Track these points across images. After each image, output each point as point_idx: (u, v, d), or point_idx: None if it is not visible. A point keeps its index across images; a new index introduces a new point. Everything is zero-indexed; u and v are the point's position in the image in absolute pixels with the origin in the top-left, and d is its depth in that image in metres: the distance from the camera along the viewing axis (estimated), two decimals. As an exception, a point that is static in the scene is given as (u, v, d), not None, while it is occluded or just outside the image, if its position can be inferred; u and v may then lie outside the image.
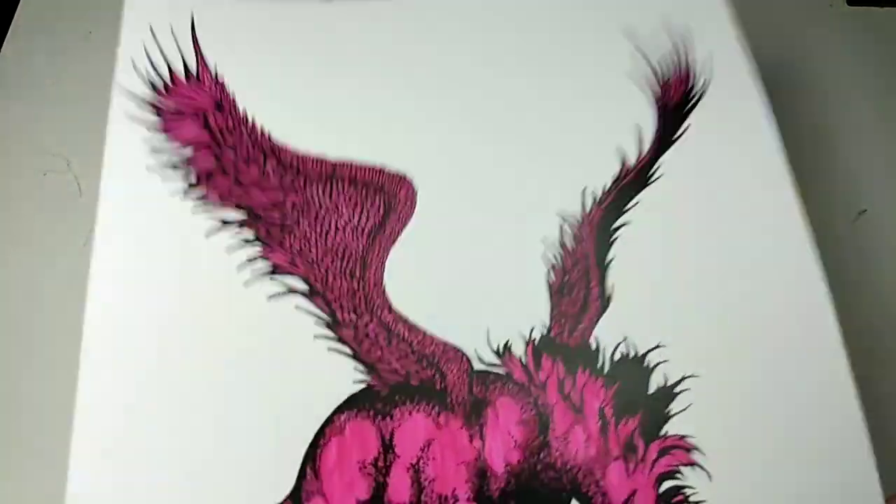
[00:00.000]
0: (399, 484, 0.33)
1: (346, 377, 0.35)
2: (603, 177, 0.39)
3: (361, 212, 0.38)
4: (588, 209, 0.39)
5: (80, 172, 0.46)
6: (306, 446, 0.33)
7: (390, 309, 0.36)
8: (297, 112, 0.40)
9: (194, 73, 0.40)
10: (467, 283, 0.37)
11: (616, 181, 0.39)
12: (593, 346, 0.36)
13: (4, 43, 0.51)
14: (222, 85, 0.40)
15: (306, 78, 0.41)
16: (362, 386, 0.34)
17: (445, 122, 0.41)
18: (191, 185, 0.38)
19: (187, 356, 0.34)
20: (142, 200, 0.37)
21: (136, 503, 0.31)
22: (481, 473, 0.33)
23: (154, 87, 0.40)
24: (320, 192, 0.39)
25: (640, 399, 0.35)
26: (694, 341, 0.36)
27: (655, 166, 0.39)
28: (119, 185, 0.37)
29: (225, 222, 0.37)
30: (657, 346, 0.36)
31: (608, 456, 0.34)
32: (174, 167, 0.38)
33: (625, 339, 0.36)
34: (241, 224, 0.37)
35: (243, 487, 0.32)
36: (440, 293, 0.37)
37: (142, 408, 0.33)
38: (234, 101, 0.40)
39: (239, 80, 0.41)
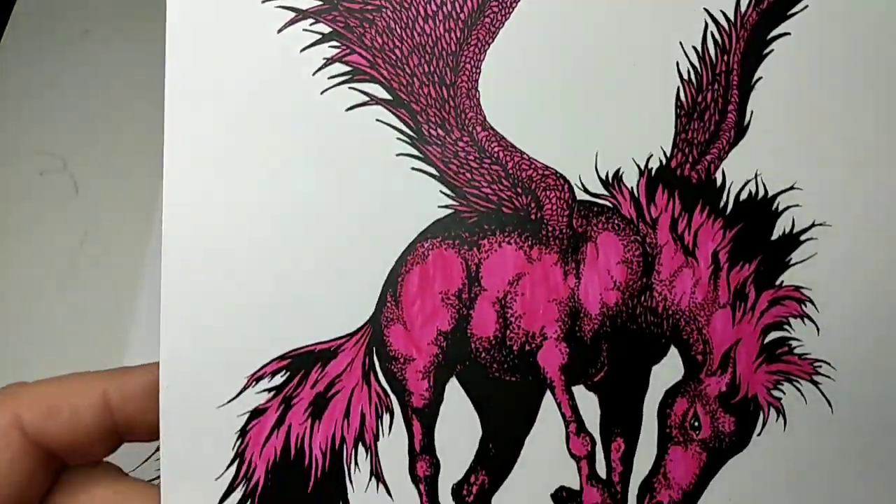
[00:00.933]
0: (483, 317, 0.31)
1: (431, 201, 0.31)
2: (765, -37, 0.31)
3: (456, -5, 0.32)
4: (744, 8, 0.31)
5: (76, 172, 0.46)
6: (387, 272, 0.31)
7: (484, 124, 0.32)
8: None
9: None
10: (577, 94, 0.31)
11: (782, -29, 0.31)
12: (718, 182, 0.31)
13: (1, 41, 0.50)
14: None
15: None
16: (448, 212, 0.31)
17: None
18: (255, -39, 0.32)
19: (260, 173, 0.31)
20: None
21: (221, 322, 0.30)
22: (574, 313, 0.31)
23: None
24: (407, -33, 0.32)
25: (761, 244, 0.31)
26: (831, 187, 0.30)
27: (838, -45, 0.30)
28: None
29: (298, 12, 0.32)
30: (791, 188, 0.31)
31: (715, 303, 0.31)
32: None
33: (756, 177, 0.31)
34: (316, 14, 0.32)
35: (321, 310, 0.30)
36: (544, 106, 0.32)
37: (219, 223, 0.31)
38: None
39: None
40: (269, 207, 0.31)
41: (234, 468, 0.30)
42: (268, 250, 0.31)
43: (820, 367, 0.30)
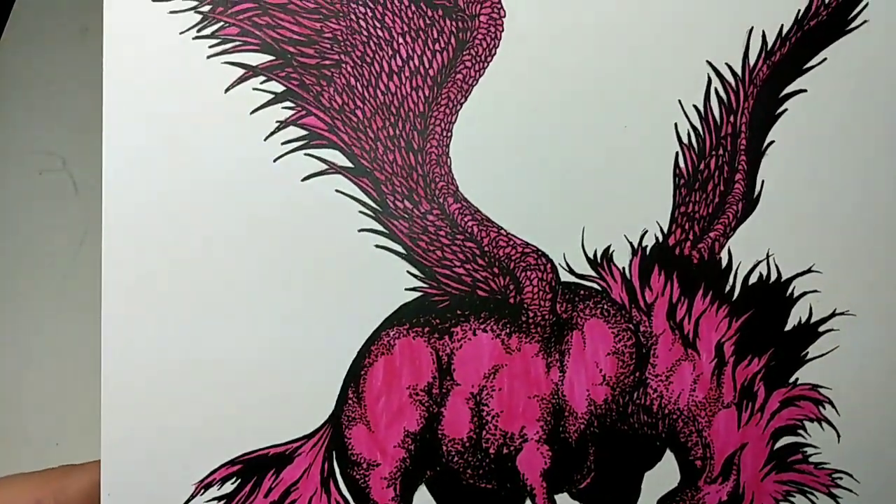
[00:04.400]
0: (456, 416, 0.27)
1: (398, 283, 0.28)
2: (782, 11, 0.27)
3: (424, 44, 0.28)
4: (752, 61, 0.27)
5: (75, 171, 0.47)
6: (349, 364, 0.28)
7: (456, 195, 0.28)
8: None
9: None
10: (561, 161, 0.28)
11: (800, 20, 0.27)
12: (723, 263, 0.27)
13: (0, 40, 0.51)
14: None
15: None
16: (416, 295, 0.28)
17: None
18: (203, 16, 0.28)
19: (205, 253, 0.28)
20: (146, 43, 0.28)
21: (166, 423, 0.27)
22: (557, 411, 0.27)
23: None
24: (369, 13, 0.28)
25: (773, 336, 0.27)
26: (856, 269, 0.26)
27: (863, 4, 0.26)
28: (119, 22, 0.28)
29: (247, 69, 0.28)
30: (808, 270, 0.27)
31: (719, 402, 0.27)
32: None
33: (768, 257, 0.27)
34: (268, 69, 0.28)
35: (276, 410, 0.27)
36: (523, 175, 0.28)
37: (160, 313, 0.28)
38: None
39: None
40: (215, 293, 0.28)
41: (178, 584, 0.27)
42: (214, 340, 0.28)
43: (840, 478, 0.26)
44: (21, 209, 0.47)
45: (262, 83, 0.28)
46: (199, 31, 0.28)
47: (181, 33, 0.28)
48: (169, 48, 0.28)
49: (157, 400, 0.27)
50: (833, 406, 0.27)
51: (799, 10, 0.27)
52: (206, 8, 0.28)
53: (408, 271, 0.28)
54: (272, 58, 0.28)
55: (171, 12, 0.28)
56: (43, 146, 0.48)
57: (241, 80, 0.28)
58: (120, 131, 0.28)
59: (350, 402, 0.28)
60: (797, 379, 0.27)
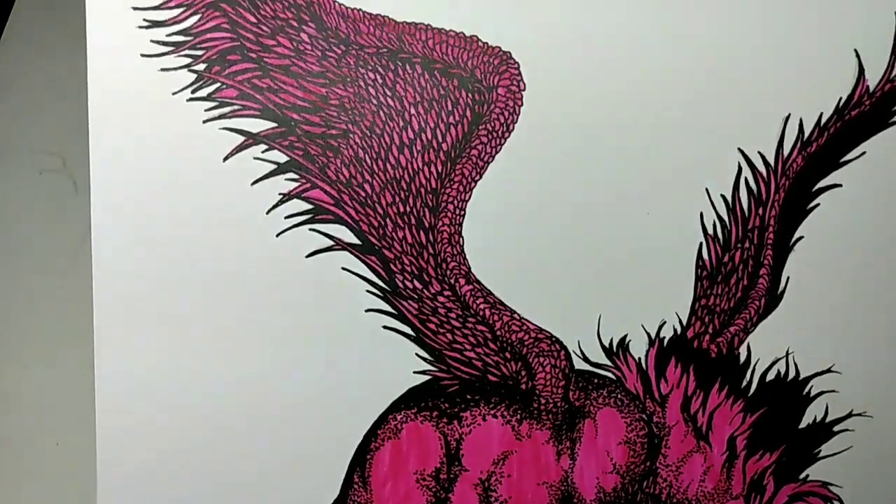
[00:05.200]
0: (464, 503, 0.27)
1: (406, 366, 0.27)
2: (822, 98, 0.25)
3: (438, 116, 0.26)
4: (787, 150, 0.25)
5: (75, 171, 0.47)
6: (353, 450, 0.27)
7: (468, 276, 0.27)
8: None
9: None
10: (578, 246, 0.27)
11: (841, 110, 0.25)
12: (741, 358, 0.27)
13: (0, 40, 0.51)
14: None
15: None
16: (425, 378, 0.27)
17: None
18: (198, 76, 0.26)
19: (205, 333, 0.26)
20: (132, 105, 0.26)
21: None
22: (566, 498, 0.27)
23: None
24: (379, 79, 0.26)
25: (787, 432, 0.27)
26: (877, 373, 0.26)
27: (911, 102, 0.25)
28: (103, 82, 0.26)
29: (247, 136, 0.26)
30: (828, 370, 0.26)
31: (727, 493, 0.27)
32: (175, 47, 0.26)
33: (787, 355, 0.26)
34: (270, 138, 0.26)
35: (281, 493, 0.27)
36: (539, 258, 0.27)
37: (162, 402, 0.27)
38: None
39: None
40: (215, 380, 0.27)
41: None
42: (213, 429, 0.27)
43: (844, 575, 0.27)
44: (21, 209, 0.47)
45: (263, 152, 0.27)
46: (193, 91, 0.26)
47: (174, 94, 0.26)
48: (160, 109, 0.26)
49: (163, 481, 0.26)
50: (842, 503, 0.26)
51: (841, 99, 0.25)
52: (201, 67, 0.26)
53: (416, 354, 0.27)
54: (274, 125, 0.26)
55: (163, 70, 0.26)
56: (43, 146, 0.49)
57: (240, 147, 0.26)
58: (106, 198, 0.26)
59: (356, 486, 0.27)
60: (807, 475, 0.27)
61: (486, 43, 0.26)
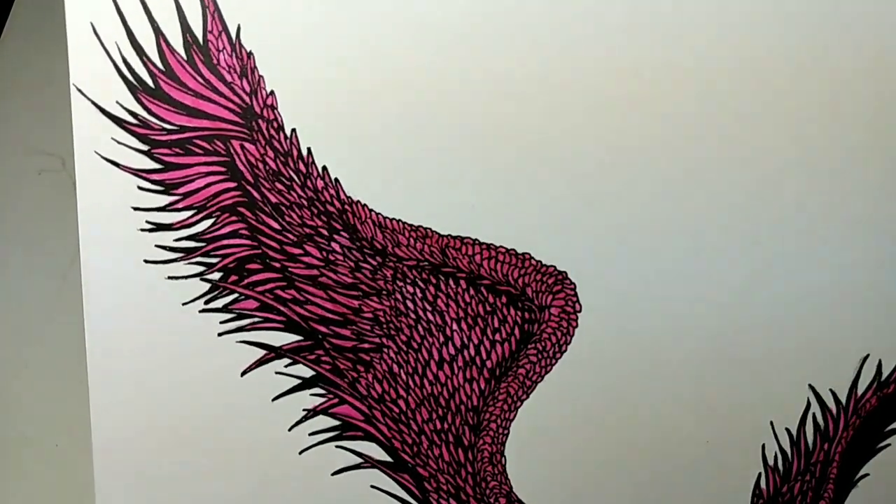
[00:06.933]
0: None
1: (439, 588, 0.25)
2: (902, 344, 0.23)
3: (483, 334, 0.24)
4: (861, 390, 0.24)
5: (75, 171, 0.43)
6: None
7: (510, 497, 0.25)
8: (383, 158, 0.22)
9: (206, 49, 0.21)
10: (624, 475, 0.25)
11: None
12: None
13: (0, 40, 0.51)
14: (256, 78, 0.22)
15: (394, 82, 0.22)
16: None
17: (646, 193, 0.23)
18: (213, 286, 0.23)
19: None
20: (135, 313, 0.23)
21: None
22: None
23: (136, 83, 0.22)
24: (419, 293, 0.23)
25: None
26: None
27: None
28: (100, 288, 0.23)
29: (268, 350, 0.23)
30: None
31: None
32: (186, 253, 0.23)
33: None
34: (294, 351, 0.24)
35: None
36: (587, 480, 0.25)
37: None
38: (277, 116, 0.22)
39: (282, 78, 0.21)
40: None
41: None
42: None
43: None
44: (21, 209, 0.47)
45: (286, 366, 0.24)
46: (206, 302, 0.23)
47: (184, 304, 0.23)
48: (168, 321, 0.23)
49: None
50: None
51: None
52: (216, 276, 0.23)
53: (450, 576, 0.25)
54: (300, 338, 0.24)
55: (170, 278, 0.23)
56: (43, 146, 0.49)
57: (260, 362, 0.24)
58: (110, 421, 0.24)
59: None
60: None
61: (540, 261, 0.23)
